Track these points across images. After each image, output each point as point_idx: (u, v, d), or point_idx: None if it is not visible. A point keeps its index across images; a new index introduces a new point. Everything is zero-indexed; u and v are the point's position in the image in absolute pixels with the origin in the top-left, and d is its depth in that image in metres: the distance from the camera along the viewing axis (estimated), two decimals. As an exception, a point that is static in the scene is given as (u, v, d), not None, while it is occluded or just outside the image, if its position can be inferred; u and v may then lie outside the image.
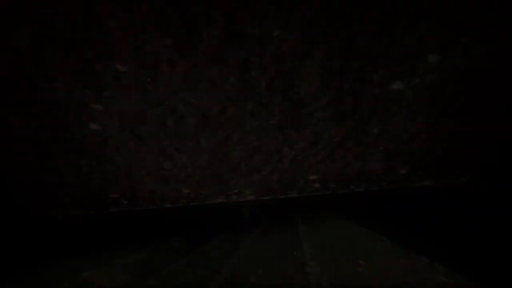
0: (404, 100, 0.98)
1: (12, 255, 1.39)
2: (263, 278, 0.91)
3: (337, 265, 0.95)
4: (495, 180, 1.31)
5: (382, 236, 1.16)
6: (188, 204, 1.62)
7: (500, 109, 1.02)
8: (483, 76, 0.93)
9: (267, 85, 0.96)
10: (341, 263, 0.96)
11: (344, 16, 0.82)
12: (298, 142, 1.16)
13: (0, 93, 0.97)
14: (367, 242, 1.12)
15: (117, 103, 1.00)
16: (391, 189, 1.55)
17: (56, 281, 0.97)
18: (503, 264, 0.89)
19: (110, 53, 0.88)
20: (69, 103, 0.97)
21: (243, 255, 1.13)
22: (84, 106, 0.98)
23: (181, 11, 0.81)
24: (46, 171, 1.22)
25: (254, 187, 1.45)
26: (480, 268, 0.86)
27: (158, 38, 0.86)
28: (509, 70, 0.91)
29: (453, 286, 0.75)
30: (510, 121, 1.05)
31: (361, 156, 1.24)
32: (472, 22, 0.83)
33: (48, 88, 0.94)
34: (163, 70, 0.92)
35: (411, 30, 0.84)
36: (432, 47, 0.88)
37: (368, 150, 1.21)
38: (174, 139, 1.15)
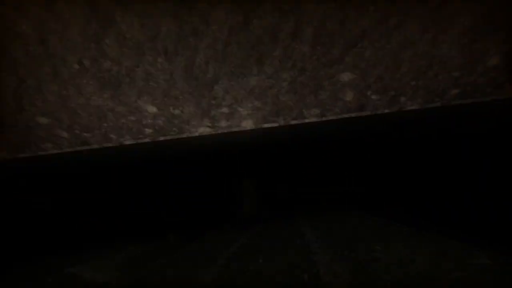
0: None
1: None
2: (264, 266, 0.87)
3: (349, 251, 0.91)
4: None
5: (395, 222, 1.12)
6: (156, 138, 1.12)
7: None
8: None
9: None
10: (353, 249, 0.92)
11: None
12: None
13: None
14: (380, 229, 1.06)
15: None
16: (459, 106, 1.03)
17: (41, 276, 0.96)
18: None
19: None
20: None
21: (241, 245, 1.09)
22: None
23: None
24: None
25: (253, 100, 0.95)
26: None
27: None
28: None
29: (501, 268, 0.68)
30: None
31: (429, 27, 0.73)
32: None
33: None
34: None
35: None
36: None
37: (446, 11, 0.70)
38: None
